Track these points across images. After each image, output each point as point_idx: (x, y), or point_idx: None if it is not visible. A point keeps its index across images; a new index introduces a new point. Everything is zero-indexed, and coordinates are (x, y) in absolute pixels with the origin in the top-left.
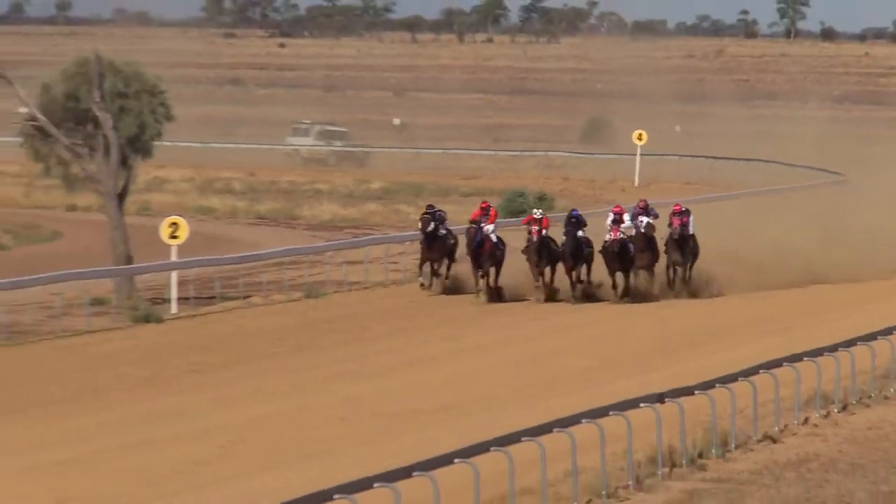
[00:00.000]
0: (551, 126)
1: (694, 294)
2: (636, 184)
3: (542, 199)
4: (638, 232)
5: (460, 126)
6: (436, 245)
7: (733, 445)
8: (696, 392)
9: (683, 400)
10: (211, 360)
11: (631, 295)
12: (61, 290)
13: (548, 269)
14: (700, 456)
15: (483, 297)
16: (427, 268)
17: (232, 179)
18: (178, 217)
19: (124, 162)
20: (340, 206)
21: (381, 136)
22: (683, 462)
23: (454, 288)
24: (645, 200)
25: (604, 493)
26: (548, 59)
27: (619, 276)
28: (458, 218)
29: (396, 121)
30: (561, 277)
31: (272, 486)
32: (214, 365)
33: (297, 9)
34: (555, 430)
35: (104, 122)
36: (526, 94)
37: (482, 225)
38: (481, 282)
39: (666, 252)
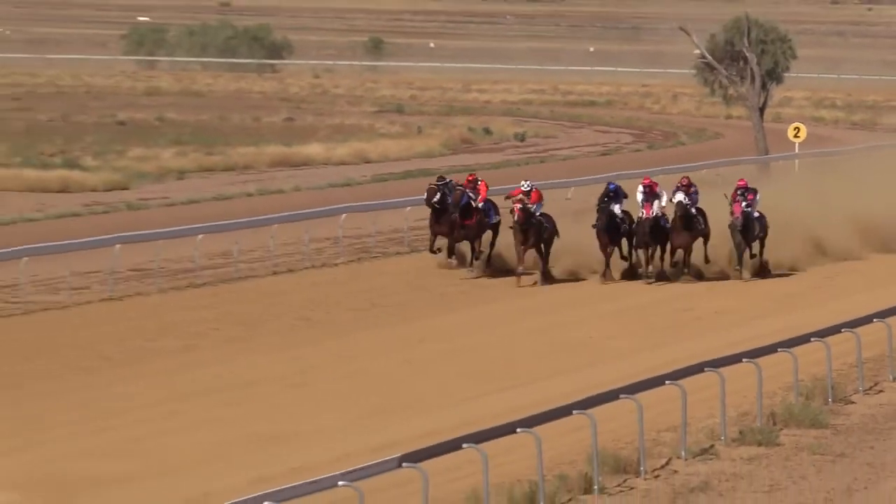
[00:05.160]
0: None
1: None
2: None
3: None
4: (680, 206)
5: None
6: (444, 217)
7: None
8: None
9: None
10: None
11: (659, 275)
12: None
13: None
14: None
15: (475, 270)
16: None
17: (835, 98)
18: (799, 123)
19: (764, 86)
20: None
21: None
22: None
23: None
24: (688, 177)
25: None
26: None
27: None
28: None
29: None
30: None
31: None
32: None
33: None
34: None
35: (751, 60)
36: None
37: (469, 193)
38: (466, 254)
39: (730, 234)
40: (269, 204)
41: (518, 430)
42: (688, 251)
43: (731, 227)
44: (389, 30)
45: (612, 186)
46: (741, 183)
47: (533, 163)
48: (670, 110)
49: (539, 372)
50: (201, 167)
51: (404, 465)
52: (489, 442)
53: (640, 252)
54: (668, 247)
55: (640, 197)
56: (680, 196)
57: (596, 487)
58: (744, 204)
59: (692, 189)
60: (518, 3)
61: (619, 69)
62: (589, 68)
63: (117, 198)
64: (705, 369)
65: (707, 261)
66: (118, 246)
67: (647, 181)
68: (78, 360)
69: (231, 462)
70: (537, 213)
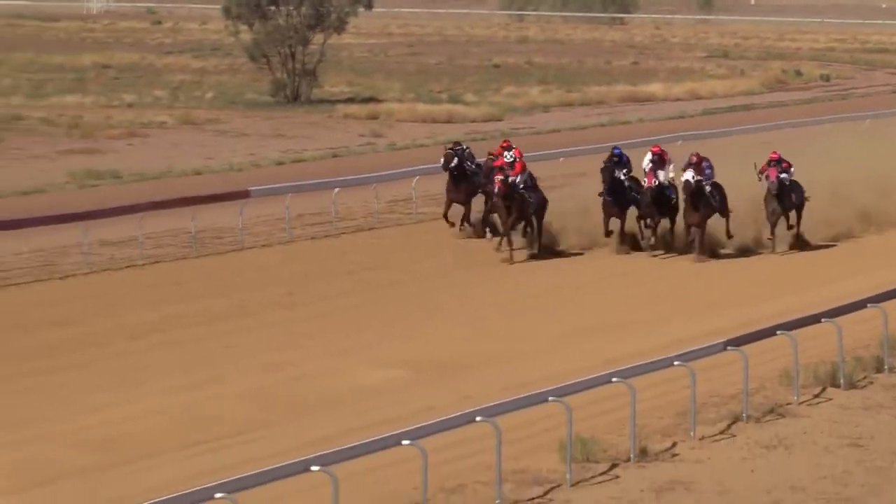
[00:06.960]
0: None
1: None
2: None
3: None
4: (688, 185)
5: None
6: (462, 185)
7: None
8: None
9: None
10: None
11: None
12: None
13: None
14: None
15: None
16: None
17: None
18: None
19: None
20: None
21: None
22: None
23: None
24: (697, 154)
25: None
26: None
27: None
28: None
29: None
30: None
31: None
32: None
33: None
34: None
35: None
36: None
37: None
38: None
39: (765, 203)
40: (618, 133)
41: (822, 320)
42: (702, 228)
43: (766, 193)
44: None
45: (616, 151)
46: (774, 155)
47: (836, 100)
48: None
49: (828, 275)
50: (562, 102)
51: (728, 348)
52: (797, 330)
53: (642, 222)
54: (676, 221)
55: (646, 164)
56: (688, 175)
57: (886, 367)
58: (779, 171)
59: (704, 164)
60: None
61: None
62: (882, 21)
63: (493, 127)
64: None
65: (729, 236)
66: None
67: (656, 149)
68: (455, 263)
69: (582, 346)
70: (520, 185)
